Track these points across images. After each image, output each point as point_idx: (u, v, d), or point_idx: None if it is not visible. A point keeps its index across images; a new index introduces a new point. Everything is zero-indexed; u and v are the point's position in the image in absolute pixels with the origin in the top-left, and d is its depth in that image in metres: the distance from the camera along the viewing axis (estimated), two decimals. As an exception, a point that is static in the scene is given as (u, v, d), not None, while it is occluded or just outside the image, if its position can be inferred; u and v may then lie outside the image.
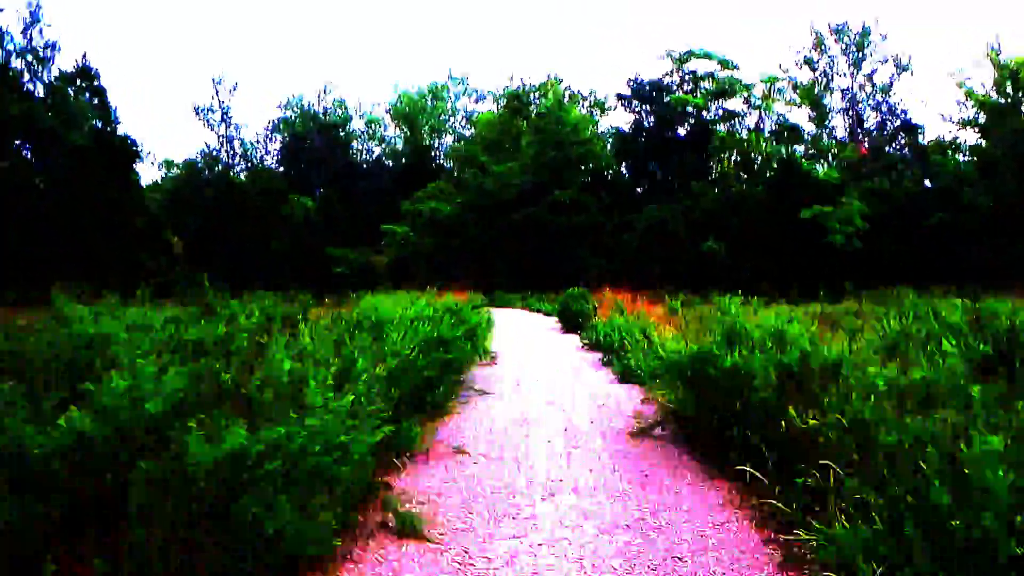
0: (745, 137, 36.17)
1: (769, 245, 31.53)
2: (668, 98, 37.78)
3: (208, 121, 70.07)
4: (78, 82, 33.89)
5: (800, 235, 31.65)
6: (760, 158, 35.60)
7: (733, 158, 35.40)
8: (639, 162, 39.23)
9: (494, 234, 36.53)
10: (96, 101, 34.20)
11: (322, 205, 52.96)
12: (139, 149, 34.39)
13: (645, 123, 40.32)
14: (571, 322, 17.10)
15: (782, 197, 32.76)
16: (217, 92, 69.44)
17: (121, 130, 34.60)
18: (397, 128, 72.35)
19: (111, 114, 34.02)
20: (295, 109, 69.15)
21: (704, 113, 40.17)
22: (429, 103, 72.25)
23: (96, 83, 34.19)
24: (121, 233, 29.59)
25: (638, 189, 39.24)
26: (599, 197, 35.39)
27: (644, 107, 40.54)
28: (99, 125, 33.53)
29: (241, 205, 34.63)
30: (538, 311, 25.52)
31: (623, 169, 39.57)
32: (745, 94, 39.93)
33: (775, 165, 34.63)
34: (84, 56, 34.53)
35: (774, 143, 37.09)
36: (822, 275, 31.74)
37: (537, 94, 46.80)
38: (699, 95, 39.78)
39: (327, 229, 50.66)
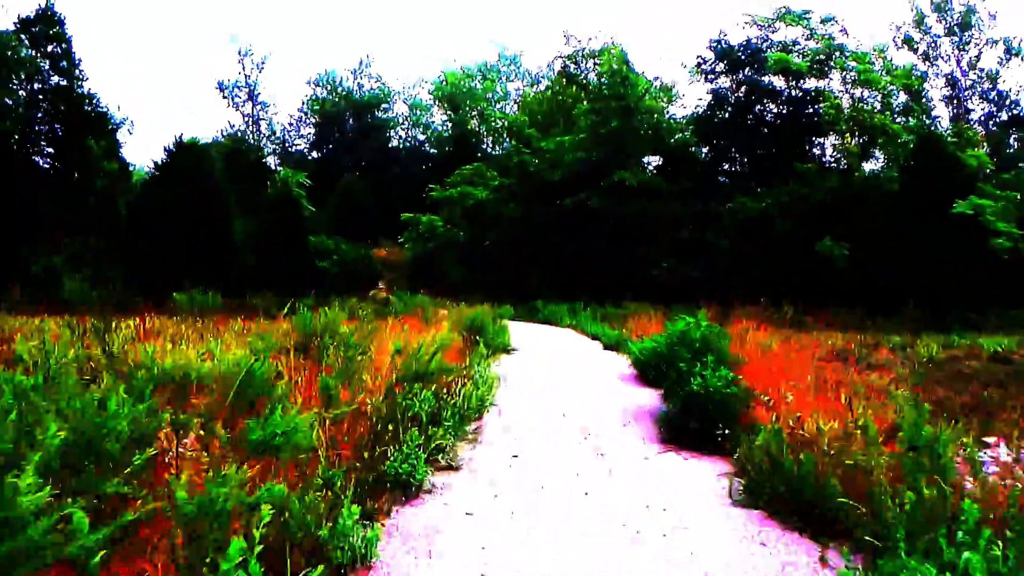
0: (868, 108, 27.65)
1: (908, 248, 23.20)
2: (765, 57, 29.39)
3: (233, 99, 64.93)
4: (37, 29, 27.72)
5: (951, 235, 23.22)
6: (885, 137, 27.05)
7: (854, 136, 26.96)
8: (724, 141, 31.06)
9: (539, 226, 28.99)
10: (60, 52, 28.00)
11: (343, 192, 46.45)
12: (106, 112, 28.05)
13: (731, 96, 32.11)
14: (694, 414, 6.59)
15: (925, 186, 24.32)
16: (243, 67, 64.27)
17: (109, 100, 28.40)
18: (441, 111, 65.71)
19: (74, 69, 27.74)
20: (327, 87, 62.94)
21: (803, 82, 31.76)
22: (477, 84, 65.30)
23: (60, 29, 27.97)
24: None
25: (721, 177, 31.09)
26: (674, 180, 27.47)
27: (731, 75, 32.33)
28: (57, 83, 27.34)
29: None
30: (596, 338, 17.92)
31: (703, 150, 31.32)
32: (854, 63, 31.38)
33: (911, 146, 26.09)
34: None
35: (906, 119, 28.50)
36: (986, 290, 23.21)
37: (596, 60, 38.95)
38: (800, 62, 31.48)
39: (343, 219, 44.06)
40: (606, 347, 15.91)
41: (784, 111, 31.17)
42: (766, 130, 30.72)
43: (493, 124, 54.35)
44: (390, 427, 5.23)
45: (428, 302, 22.35)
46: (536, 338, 17.59)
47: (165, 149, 22.89)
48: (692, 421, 6.47)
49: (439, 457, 5.61)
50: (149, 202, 21.75)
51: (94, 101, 28.11)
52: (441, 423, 5.98)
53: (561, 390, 9.95)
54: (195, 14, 79.77)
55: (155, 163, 22.76)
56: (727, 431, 6.07)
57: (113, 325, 8.29)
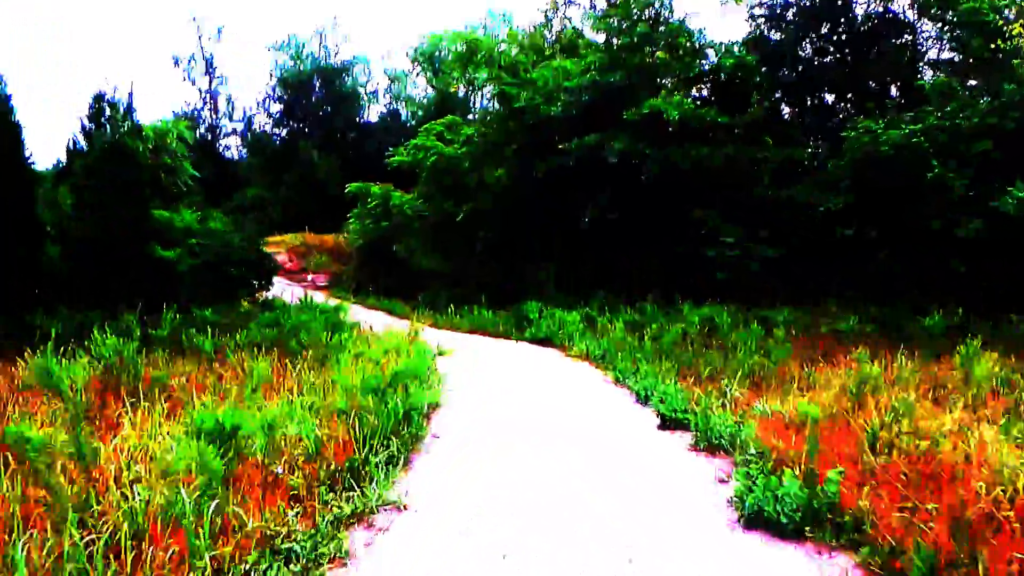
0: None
1: None
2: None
3: (189, 74, 55.97)
4: None
5: None
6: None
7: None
8: (796, 63, 21.43)
9: (533, 190, 19.72)
10: None
11: (301, 170, 37.45)
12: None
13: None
14: None
15: None
16: (199, 37, 55.22)
17: None
18: (423, 79, 56.30)
19: None
20: (290, 52, 53.64)
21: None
22: (461, 47, 55.92)
23: None
24: None
25: (802, 117, 21.54)
26: (729, 114, 17.96)
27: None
28: None
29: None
30: (646, 401, 8.43)
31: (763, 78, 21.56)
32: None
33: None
34: None
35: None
36: None
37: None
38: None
39: (300, 202, 35.08)
40: (698, 448, 6.57)
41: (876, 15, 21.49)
42: (857, 43, 21.09)
43: (478, 81, 44.64)
44: None
45: (345, 322, 13.31)
46: (511, 402, 8.45)
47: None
48: None
49: None
50: None
51: None
52: None
53: None
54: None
55: None
56: None
57: None
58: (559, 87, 19.36)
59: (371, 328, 13.37)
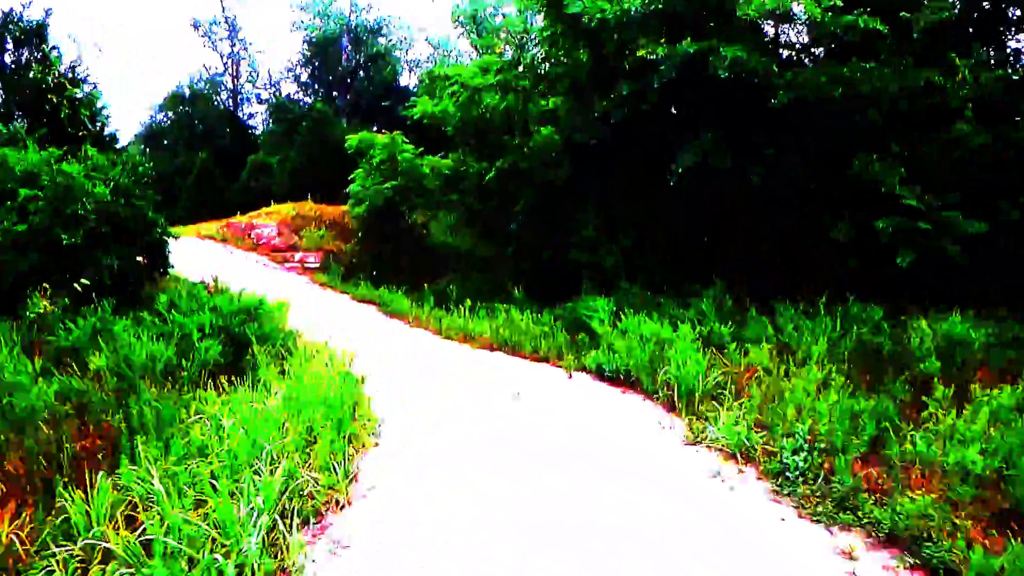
0: None
1: None
2: None
3: (209, 37, 51.16)
4: None
5: None
6: None
7: None
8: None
9: (591, 136, 13.85)
10: None
11: (307, 134, 32.01)
12: None
13: None
14: None
15: None
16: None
17: None
18: (464, 41, 50.32)
19: None
20: (318, 9, 48.16)
21: None
22: (512, 11, 49.77)
23: None
24: None
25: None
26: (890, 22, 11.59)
27: None
28: None
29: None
30: None
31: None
32: None
33: None
34: None
35: None
36: None
37: None
38: None
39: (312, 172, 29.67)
40: None
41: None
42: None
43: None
44: None
45: (253, 336, 7.73)
46: None
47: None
48: None
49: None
50: None
51: None
52: None
53: None
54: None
55: None
56: None
57: None
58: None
59: (311, 347, 7.82)
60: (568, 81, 15.25)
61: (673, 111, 12.70)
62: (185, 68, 65.95)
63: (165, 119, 46.36)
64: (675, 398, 6.79)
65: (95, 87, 13.85)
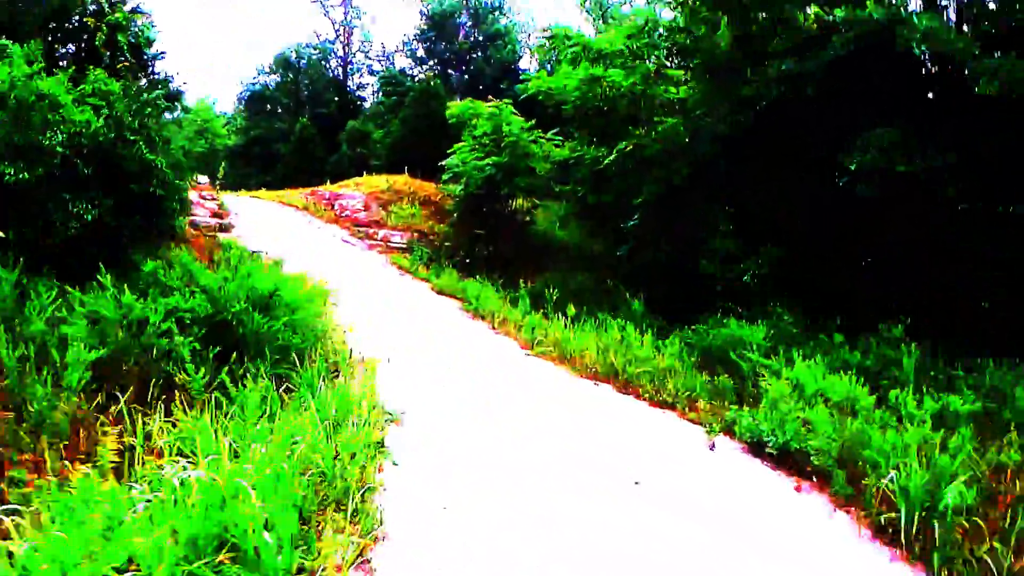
0: None
1: None
2: None
3: (322, 3, 50.71)
4: None
5: None
6: None
7: None
8: None
9: (734, 122, 11.44)
10: None
11: (412, 106, 30.52)
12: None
13: None
14: None
15: None
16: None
17: None
18: (590, 28, 47.96)
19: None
20: (432, -18, 46.67)
21: None
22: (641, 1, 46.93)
23: None
24: None
25: None
26: None
27: None
28: None
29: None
30: None
31: None
32: None
33: None
34: None
35: None
36: None
37: None
38: None
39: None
40: None
41: None
42: None
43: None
44: None
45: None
46: None
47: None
48: None
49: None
50: None
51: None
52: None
53: None
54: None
55: None
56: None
57: None
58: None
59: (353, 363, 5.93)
60: (704, 58, 12.99)
61: (842, 92, 10.18)
62: (295, 35, 66.27)
63: (270, 83, 46.02)
64: (901, 522, 4.20)
65: (148, 18, 12.46)
